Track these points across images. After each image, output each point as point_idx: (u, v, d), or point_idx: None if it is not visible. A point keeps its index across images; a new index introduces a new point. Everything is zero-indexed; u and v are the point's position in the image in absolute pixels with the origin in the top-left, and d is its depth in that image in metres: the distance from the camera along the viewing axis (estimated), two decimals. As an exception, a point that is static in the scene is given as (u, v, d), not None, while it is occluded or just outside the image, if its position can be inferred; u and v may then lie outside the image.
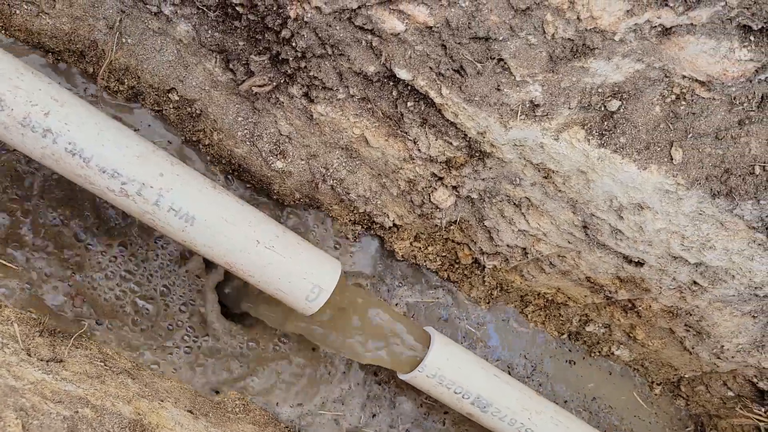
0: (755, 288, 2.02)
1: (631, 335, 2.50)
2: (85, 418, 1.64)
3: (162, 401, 1.95)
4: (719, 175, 1.77)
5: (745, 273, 1.97)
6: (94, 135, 1.64)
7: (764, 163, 1.71)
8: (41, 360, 1.80)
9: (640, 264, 2.09)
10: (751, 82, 1.63)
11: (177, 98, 2.09)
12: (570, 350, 2.59)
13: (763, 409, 2.49)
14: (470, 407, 2.12)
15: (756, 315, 2.16)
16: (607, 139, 1.77)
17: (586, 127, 1.77)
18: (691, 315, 2.26)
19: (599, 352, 2.57)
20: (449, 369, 2.08)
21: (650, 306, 2.28)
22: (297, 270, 1.85)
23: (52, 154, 1.62)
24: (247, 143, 2.13)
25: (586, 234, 2.06)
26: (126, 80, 2.06)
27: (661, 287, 2.15)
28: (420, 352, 2.10)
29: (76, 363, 1.88)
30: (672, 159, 1.76)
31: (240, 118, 2.10)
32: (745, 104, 1.67)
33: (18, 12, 1.90)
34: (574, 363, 2.59)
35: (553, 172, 1.90)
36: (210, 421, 2.02)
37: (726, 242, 1.89)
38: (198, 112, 2.11)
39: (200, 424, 1.95)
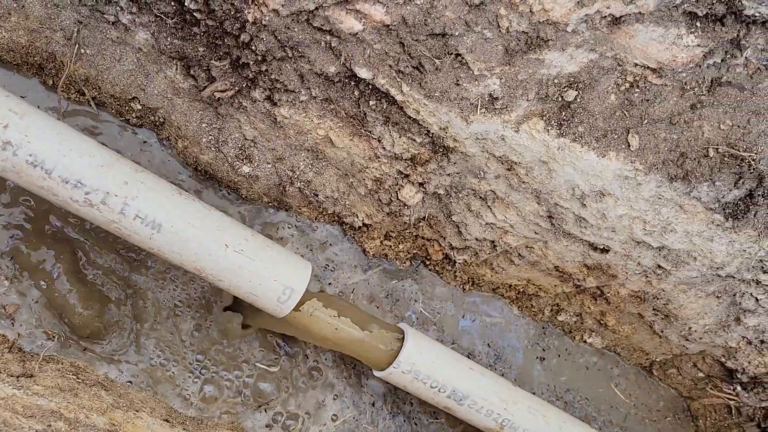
0: (717, 268, 2.07)
1: (602, 322, 2.54)
2: (58, 431, 1.63)
3: (137, 411, 1.94)
4: (675, 159, 1.82)
5: (706, 254, 2.02)
6: (55, 146, 1.63)
7: (717, 145, 1.77)
8: (11, 376, 1.78)
9: (605, 251, 2.13)
10: (700, 67, 1.68)
11: (139, 107, 2.09)
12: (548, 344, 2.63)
13: (732, 388, 2.54)
14: (447, 401, 2.14)
15: (719, 295, 2.22)
16: (566, 129, 1.81)
17: (545, 118, 1.81)
18: (657, 299, 2.31)
19: (572, 339, 2.61)
20: (424, 364, 2.09)
21: (618, 292, 2.33)
22: (267, 272, 1.86)
23: (12, 166, 1.61)
24: (213, 149, 2.13)
25: (552, 223, 2.10)
26: (87, 91, 2.05)
27: (627, 273, 2.19)
28: (395, 350, 2.11)
29: (47, 377, 1.86)
30: (629, 145, 1.80)
31: (204, 125, 2.10)
32: (696, 89, 1.71)
33: (-27, 26, 1.89)
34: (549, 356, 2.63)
35: (516, 163, 1.93)
36: (186, 429, 2.01)
37: (686, 225, 1.94)
38: (161, 120, 2.11)
39: (176, 431, 1.95)
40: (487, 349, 2.50)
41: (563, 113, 1.80)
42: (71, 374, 1.94)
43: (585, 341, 2.62)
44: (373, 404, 2.36)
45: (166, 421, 2.00)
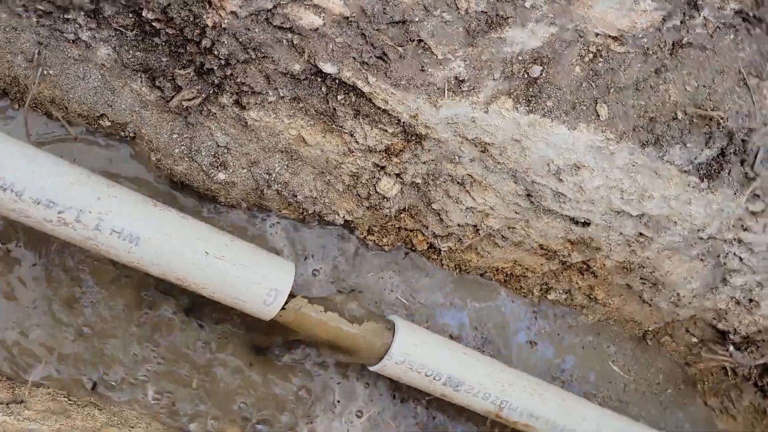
0: (697, 231, 2.08)
1: (591, 297, 2.55)
2: (52, 453, 1.61)
3: (132, 428, 1.92)
4: (645, 125, 1.83)
5: (686, 217, 2.03)
6: (23, 167, 1.61)
7: (684, 107, 1.78)
8: (1, 403, 1.76)
9: (586, 224, 2.14)
10: (660, 31, 1.69)
11: (108, 123, 2.07)
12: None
13: (726, 350, 2.56)
14: (443, 388, 2.14)
15: (703, 258, 2.23)
16: (535, 105, 1.81)
17: (512, 96, 1.81)
18: (643, 267, 2.32)
19: (564, 318, 2.61)
20: (417, 353, 2.09)
21: (604, 264, 2.34)
22: (250, 276, 1.85)
23: (-18, 192, 1.59)
24: (186, 159, 2.12)
25: (531, 202, 2.10)
26: (54, 112, 2.04)
27: (610, 244, 2.20)
28: (387, 341, 2.11)
29: (38, 402, 1.85)
30: (599, 116, 1.81)
31: (175, 135, 2.09)
32: (658, 53, 1.72)
33: (-69, 56, 1.87)
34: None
35: (489, 144, 1.94)
36: (185, 441, 2.00)
37: (662, 190, 1.95)
38: (132, 134, 2.10)
39: (175, 444, 1.94)
40: (474, 332, 2.50)
41: (530, 89, 1.80)
42: (63, 396, 1.92)
43: (576, 319, 2.62)
44: (394, 397, 2.35)
45: (164, 434, 1.99)
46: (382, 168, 2.12)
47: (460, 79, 1.77)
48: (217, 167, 2.13)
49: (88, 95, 2.01)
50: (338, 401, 2.27)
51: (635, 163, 1.89)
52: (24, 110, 1.98)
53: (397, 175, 2.13)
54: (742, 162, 1.89)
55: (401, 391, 2.36)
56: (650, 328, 2.68)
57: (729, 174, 1.88)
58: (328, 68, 1.80)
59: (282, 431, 2.19)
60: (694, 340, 2.65)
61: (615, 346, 2.72)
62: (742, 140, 1.83)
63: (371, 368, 2.14)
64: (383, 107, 1.88)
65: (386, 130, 1.97)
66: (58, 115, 2.03)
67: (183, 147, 2.10)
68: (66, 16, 1.83)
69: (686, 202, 1.97)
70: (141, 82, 1.97)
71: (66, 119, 2.04)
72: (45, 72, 1.96)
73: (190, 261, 1.78)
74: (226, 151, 2.11)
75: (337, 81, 1.87)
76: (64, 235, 1.72)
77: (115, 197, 1.72)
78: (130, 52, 1.91)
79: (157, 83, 1.95)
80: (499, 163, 2.00)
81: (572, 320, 2.64)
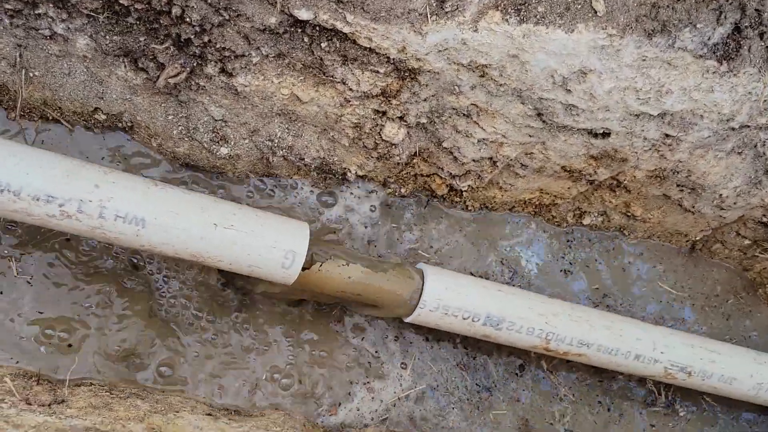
0: (727, 121, 1.94)
1: (629, 214, 2.43)
2: (95, 444, 1.61)
3: (177, 412, 1.92)
4: (648, 13, 1.69)
5: (711, 108, 1.89)
6: (15, 166, 1.60)
7: (687, -16, 1.64)
8: (42, 405, 1.78)
9: (606, 135, 2.02)
10: None
11: (104, 117, 2.06)
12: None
13: (782, 246, 2.41)
14: (484, 328, 2.07)
15: (740, 151, 2.08)
16: (525, 14, 1.70)
17: (500, 8, 1.71)
18: (677, 172, 2.18)
19: (599, 243, 2.50)
20: (450, 297, 2.02)
21: (635, 176, 2.21)
22: (264, 242, 1.81)
23: (-20, 197, 1.59)
24: (186, 139, 2.08)
25: (543, 121, 1.99)
26: (49, 114, 2.03)
27: (636, 152, 2.07)
28: (418, 290, 2.05)
29: (79, 399, 1.85)
30: (596, 12, 1.69)
31: (170, 116, 2.05)
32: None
33: None
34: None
35: (486, 66, 1.83)
36: (231, 419, 1.99)
37: (680, 81, 1.81)
38: (129, 123, 2.08)
39: (221, 422, 1.92)
40: (501, 267, 2.40)
41: (518, -2, 1.69)
42: (104, 391, 1.93)
43: (615, 242, 2.50)
44: (427, 339, 2.29)
45: (209, 415, 1.98)
46: (383, 113, 2.04)
47: (441, -1, 1.68)
48: (218, 142, 2.09)
49: (77, 91, 1.99)
50: (378, 356, 2.22)
51: (645, 57, 1.76)
52: (17, 117, 1.98)
53: (400, 118, 2.05)
54: (761, 35, 1.73)
55: (433, 334, 2.29)
56: (698, 238, 2.54)
57: (749, 51, 1.73)
58: (303, 14, 1.73)
59: (341, 396, 2.16)
60: (747, 242, 2.50)
61: (663, 265, 2.59)
62: (756, 10, 1.67)
63: (406, 320, 2.09)
64: (369, 46, 1.80)
65: (378, 71, 1.89)
66: (55, 115, 2.02)
67: (180, 127, 2.07)
68: (36, 12, 1.80)
69: (708, 90, 1.83)
70: (125, 66, 1.94)
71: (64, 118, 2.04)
72: (30, 75, 1.94)
73: (199, 235, 1.75)
74: (223, 124, 2.07)
75: (317, 28, 1.80)
76: (70, 229, 1.71)
77: (113, 182, 1.70)
78: (107, 37, 1.87)
79: (140, 65, 1.92)
80: (501, 85, 1.89)
81: (609, 244, 2.52)
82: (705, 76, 1.80)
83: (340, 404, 2.16)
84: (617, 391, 2.47)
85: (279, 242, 1.82)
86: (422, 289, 2.01)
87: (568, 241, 2.48)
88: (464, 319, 2.04)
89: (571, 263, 2.46)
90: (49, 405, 1.80)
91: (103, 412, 1.82)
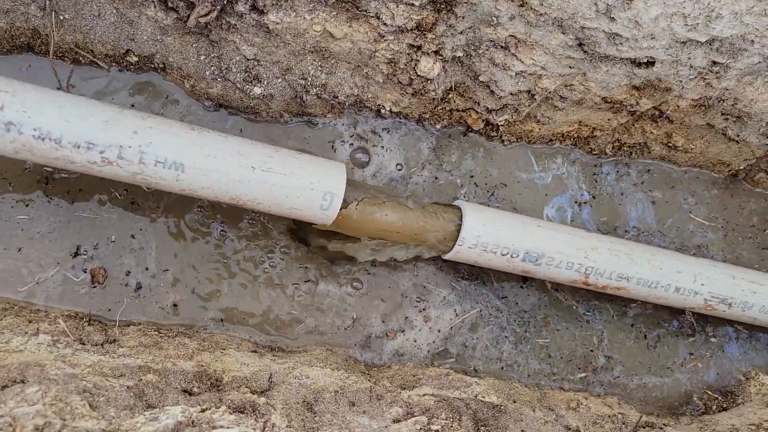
0: (780, 45, 1.85)
1: (670, 145, 2.37)
2: (149, 383, 1.67)
3: (224, 350, 1.97)
4: (700, -68, 1.59)
5: (764, 33, 1.80)
6: (55, 114, 1.60)
7: None
8: (95, 345, 1.84)
9: (650, 64, 1.94)
10: None
11: (136, 58, 2.04)
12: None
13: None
14: (523, 264, 2.07)
15: (791, 76, 1.99)
16: (569, -62, 1.61)
17: (542, -67, 1.62)
18: (723, 101, 2.11)
19: (623, 173, 2.44)
20: (489, 234, 2.02)
21: (678, 106, 2.14)
22: (302, 183, 1.81)
23: (23, 146, 1.60)
24: (219, 80, 2.06)
25: (584, 51, 1.92)
26: (81, 58, 2.01)
27: (681, 81, 2.00)
28: (456, 227, 2.04)
29: (130, 339, 1.92)
30: (644, -67, 1.59)
31: (202, 57, 2.03)
32: None
33: (-51, 24, 1.87)
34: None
35: (526, -5, 1.76)
36: (276, 355, 2.04)
37: (731, 5, 1.72)
38: (161, 65, 2.06)
39: (266, 359, 1.98)
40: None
41: None
42: (153, 331, 1.99)
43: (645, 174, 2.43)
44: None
45: (254, 352, 2.04)
46: (418, 48, 1.98)
47: (480, -75, 1.59)
48: (251, 82, 2.06)
49: (108, 33, 1.96)
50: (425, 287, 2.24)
51: (695, -19, 1.67)
52: (51, 60, 1.97)
53: (436, 52, 2.00)
54: (823, -48, 1.62)
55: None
56: (741, 167, 2.48)
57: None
58: (335, -53, 1.66)
59: (398, 325, 2.19)
60: (792, 171, 2.43)
61: (693, 197, 2.52)
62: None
63: (445, 257, 2.09)
64: (404, -22, 1.74)
65: (413, 4, 1.82)
66: (88, 56, 2.01)
67: (213, 68, 2.04)
68: (62, -48, 1.76)
69: (761, 13, 1.74)
70: (154, 6, 1.90)
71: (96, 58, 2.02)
72: (61, 17, 1.92)
73: (237, 179, 1.75)
74: (256, 63, 2.03)
75: (349, -40, 1.73)
76: (112, 175, 1.72)
77: (151, 128, 1.70)
78: (135, -24, 1.84)
79: (169, 4, 1.88)
80: (541, 14, 1.82)
81: (638, 177, 2.46)
82: (758, -1, 1.71)
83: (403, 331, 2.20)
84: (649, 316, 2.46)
85: (317, 183, 1.82)
86: (461, 225, 2.01)
87: (593, 174, 2.43)
88: (503, 255, 2.04)
89: (594, 196, 2.42)
90: (101, 344, 1.86)
91: (154, 350, 1.88)
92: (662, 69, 1.95)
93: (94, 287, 1.99)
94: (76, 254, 1.98)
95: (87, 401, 1.52)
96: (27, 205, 1.95)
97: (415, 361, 2.19)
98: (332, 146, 2.22)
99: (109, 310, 2.00)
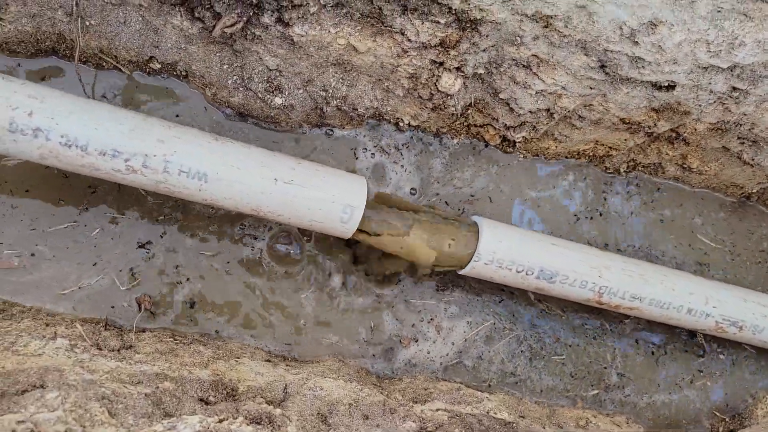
0: (800, 74, 1.86)
1: (684, 166, 2.38)
2: (166, 390, 1.68)
3: (238, 358, 1.98)
4: (728, -38, 1.61)
5: (785, 61, 1.82)
6: (83, 121, 1.61)
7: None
8: (112, 350, 1.85)
9: (671, 87, 1.96)
10: None
11: (159, 65, 2.05)
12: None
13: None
14: (537, 282, 2.08)
15: (810, 104, 2.01)
16: (597, -38, 1.63)
17: (571, -43, 1.63)
18: (740, 125, 2.12)
19: (636, 194, 2.45)
20: (504, 251, 2.03)
21: (695, 129, 2.15)
22: (323, 196, 1.82)
23: (50, 151, 1.61)
24: (241, 89, 2.07)
25: (606, 73, 1.94)
26: (104, 63, 2.03)
27: (700, 105, 2.02)
28: (473, 242, 2.05)
29: (146, 345, 1.92)
30: (672, -39, 1.61)
31: (225, 66, 2.04)
32: None
33: (-23, 27, 1.88)
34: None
35: (552, 17, 1.77)
36: (289, 365, 2.05)
37: (755, 33, 1.74)
38: (184, 72, 2.07)
39: (279, 369, 1.99)
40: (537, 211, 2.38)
41: (590, -54, 1.61)
42: (168, 337, 2.00)
43: (654, 195, 2.44)
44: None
45: (268, 361, 2.04)
46: (441, 64, 2.00)
47: (510, -52, 1.61)
48: (273, 92, 2.07)
49: (133, 39, 1.98)
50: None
51: (720, 9, 1.68)
52: (75, 66, 1.98)
53: (458, 68, 2.01)
54: None
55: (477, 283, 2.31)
56: (754, 190, 2.49)
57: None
58: (365, -36, 1.67)
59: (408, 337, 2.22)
60: (806, 196, 2.44)
61: (701, 217, 2.53)
62: None
63: (460, 272, 2.10)
64: (431, -4, 1.75)
65: (438, 22, 1.84)
66: (111, 62, 2.02)
67: (235, 77, 2.06)
68: (93, -40, 1.77)
69: (784, 43, 1.76)
70: (181, 15, 1.91)
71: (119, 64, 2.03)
72: (87, 23, 1.93)
73: (260, 190, 1.76)
74: (278, 74, 2.05)
75: (378, -24, 1.75)
76: (136, 183, 1.73)
77: (176, 137, 1.71)
78: (164, -14, 1.85)
79: (196, 14, 1.89)
80: (565, 36, 1.83)
81: (648, 197, 2.47)
82: (782, 29, 1.72)
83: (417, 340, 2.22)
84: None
85: (338, 196, 1.83)
86: (477, 242, 2.02)
87: (603, 191, 2.44)
88: (518, 272, 2.05)
89: (601, 214, 2.43)
90: (118, 350, 1.87)
91: (170, 357, 1.89)
92: (682, 93, 1.97)
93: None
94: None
95: (106, 408, 1.53)
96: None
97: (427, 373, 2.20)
98: (354, 153, 2.23)
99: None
